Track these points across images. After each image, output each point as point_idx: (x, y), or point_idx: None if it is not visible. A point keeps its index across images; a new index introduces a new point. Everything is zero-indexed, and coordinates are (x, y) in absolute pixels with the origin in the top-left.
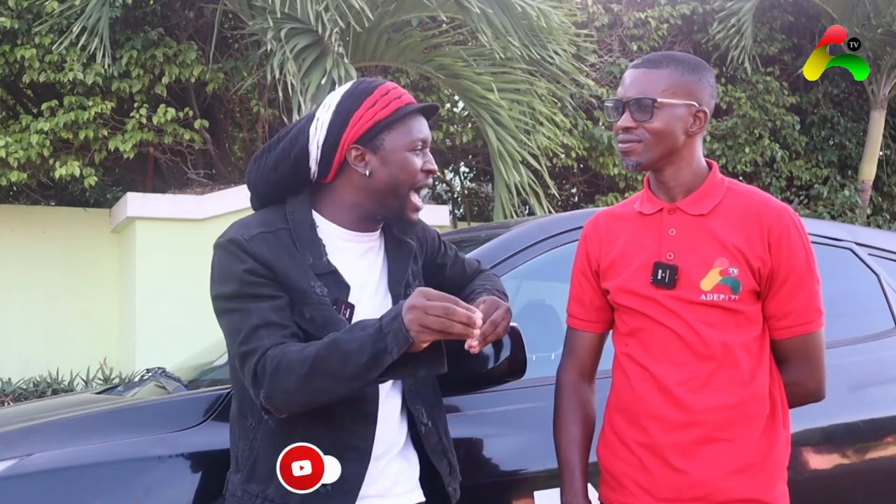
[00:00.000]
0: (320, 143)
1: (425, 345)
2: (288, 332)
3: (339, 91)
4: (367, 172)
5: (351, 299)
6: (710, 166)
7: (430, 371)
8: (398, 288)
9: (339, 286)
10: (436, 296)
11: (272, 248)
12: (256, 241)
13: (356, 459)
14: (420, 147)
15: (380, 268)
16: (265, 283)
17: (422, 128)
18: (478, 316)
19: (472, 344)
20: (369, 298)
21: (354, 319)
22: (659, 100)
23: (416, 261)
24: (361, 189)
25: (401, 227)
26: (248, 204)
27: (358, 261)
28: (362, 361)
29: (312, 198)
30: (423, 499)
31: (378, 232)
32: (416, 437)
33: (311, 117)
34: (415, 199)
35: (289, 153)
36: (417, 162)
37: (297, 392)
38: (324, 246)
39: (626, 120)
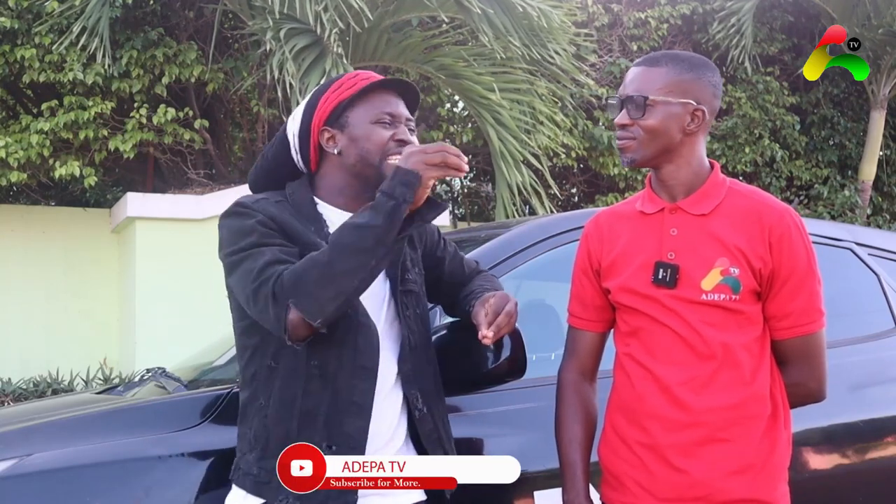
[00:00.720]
0: (296, 132)
1: (431, 183)
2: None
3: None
4: (337, 151)
5: None
6: (711, 166)
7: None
8: (394, 270)
9: None
10: (427, 145)
11: (277, 210)
12: (261, 202)
13: (353, 449)
14: (388, 120)
15: None
16: (276, 235)
17: (387, 103)
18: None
19: (487, 334)
20: None
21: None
22: (651, 97)
23: (415, 248)
24: (340, 169)
25: None
26: None
27: None
28: (379, 223)
29: (309, 185)
30: (423, 498)
31: None
32: (417, 435)
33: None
34: (393, 161)
35: (274, 143)
36: (384, 133)
37: (325, 283)
38: (325, 220)
39: (622, 117)
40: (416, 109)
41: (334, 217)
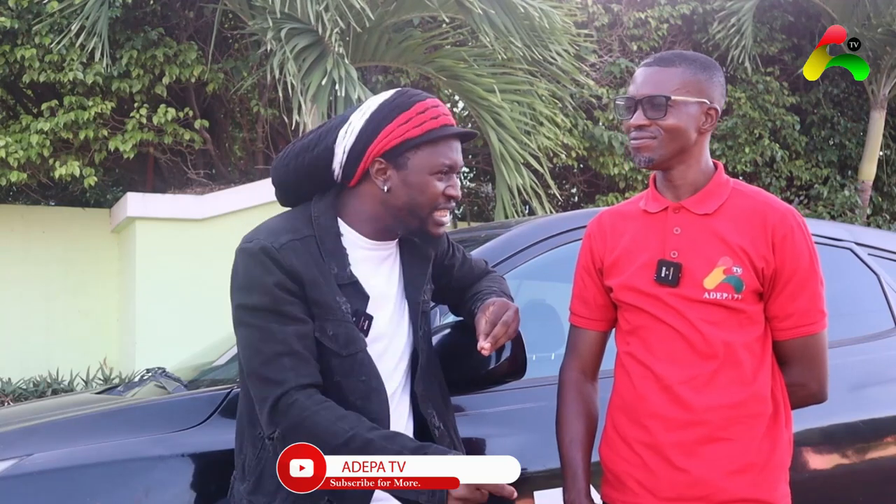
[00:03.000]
0: (347, 148)
1: None
2: (312, 369)
3: (378, 99)
4: (386, 188)
5: (369, 309)
6: (715, 166)
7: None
8: (417, 294)
9: (359, 296)
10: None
11: (301, 258)
12: (286, 249)
13: None
14: (446, 171)
15: (397, 275)
16: (292, 301)
17: (451, 153)
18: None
19: (484, 346)
20: (386, 307)
21: (372, 331)
22: (673, 98)
23: (428, 262)
24: (380, 203)
25: (424, 241)
26: (248, 204)
27: (377, 270)
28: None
29: (337, 200)
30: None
31: (395, 240)
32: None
33: (344, 118)
34: (438, 216)
35: (314, 146)
36: (439, 186)
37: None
38: (347, 255)
39: (639, 118)
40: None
41: (357, 245)
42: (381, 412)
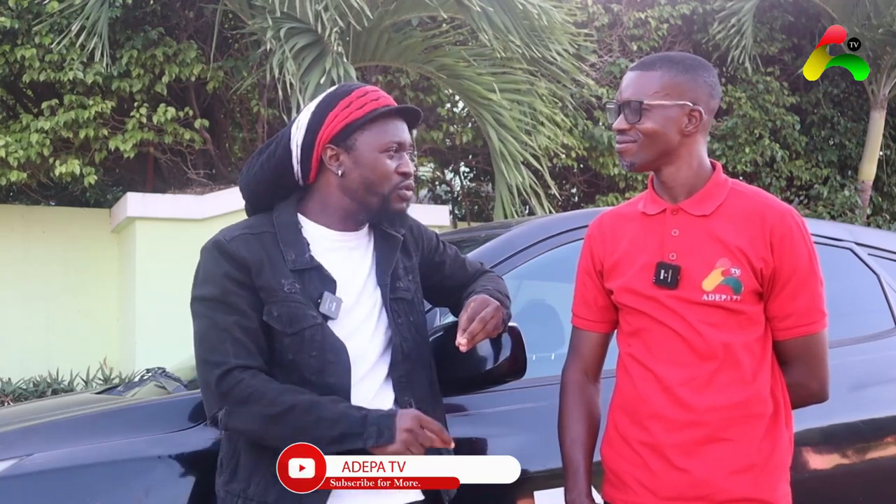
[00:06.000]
0: (299, 143)
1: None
2: (253, 355)
3: (322, 94)
4: (340, 172)
5: (338, 294)
6: (713, 167)
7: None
8: (385, 278)
9: (324, 281)
10: (426, 422)
11: (251, 248)
12: (237, 241)
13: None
14: (395, 149)
15: (369, 263)
16: (239, 294)
17: (397, 130)
18: (448, 437)
19: (461, 341)
20: (358, 293)
21: (341, 314)
22: (646, 102)
23: (410, 256)
24: (339, 189)
25: (390, 221)
26: None
27: (346, 258)
28: (332, 434)
29: (299, 203)
30: (421, 497)
31: (366, 229)
32: None
33: (295, 120)
34: (401, 192)
35: (274, 153)
36: (390, 164)
37: (255, 427)
38: (308, 244)
39: (620, 122)
40: (415, 129)
41: (320, 237)
42: (340, 385)
